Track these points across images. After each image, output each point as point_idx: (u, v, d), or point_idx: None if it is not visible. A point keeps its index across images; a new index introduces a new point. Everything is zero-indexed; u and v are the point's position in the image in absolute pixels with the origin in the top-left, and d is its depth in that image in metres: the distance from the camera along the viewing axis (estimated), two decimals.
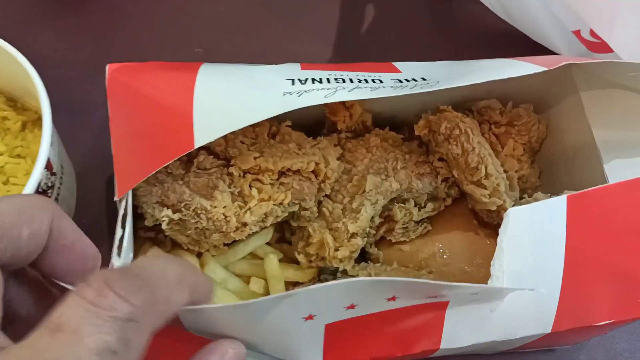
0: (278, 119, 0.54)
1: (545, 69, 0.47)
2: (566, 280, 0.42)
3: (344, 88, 0.46)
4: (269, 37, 0.74)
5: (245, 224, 0.47)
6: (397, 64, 0.54)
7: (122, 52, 0.72)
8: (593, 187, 0.42)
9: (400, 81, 0.49)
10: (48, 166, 0.51)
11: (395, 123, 0.60)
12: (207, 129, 0.43)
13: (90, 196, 0.64)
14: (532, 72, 0.47)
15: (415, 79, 0.49)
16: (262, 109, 0.44)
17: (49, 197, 0.53)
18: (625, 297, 0.43)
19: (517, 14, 0.70)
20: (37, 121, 0.61)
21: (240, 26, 0.74)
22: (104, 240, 0.61)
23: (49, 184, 0.53)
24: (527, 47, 0.72)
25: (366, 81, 0.48)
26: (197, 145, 0.42)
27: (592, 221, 0.42)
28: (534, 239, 0.41)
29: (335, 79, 0.48)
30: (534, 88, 0.57)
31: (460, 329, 0.42)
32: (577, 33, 0.65)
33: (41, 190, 0.51)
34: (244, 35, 0.74)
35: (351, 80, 0.48)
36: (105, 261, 0.59)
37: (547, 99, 0.58)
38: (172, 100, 0.46)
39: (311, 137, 0.53)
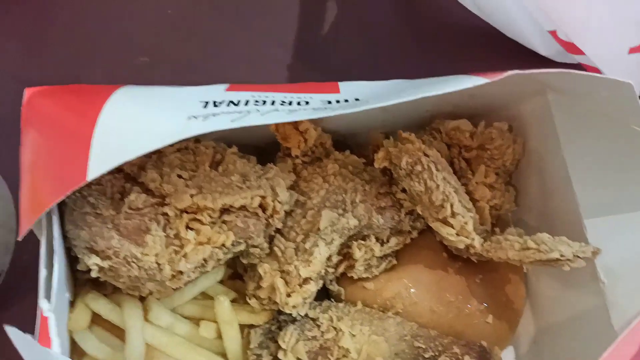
0: (223, 146, 0.49)
1: (487, 80, 0.41)
2: None
3: (259, 111, 0.41)
4: (221, 42, 0.68)
5: (181, 272, 0.42)
6: (342, 84, 0.49)
7: (54, 61, 0.65)
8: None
9: (330, 102, 0.44)
10: None
11: (359, 141, 0.55)
12: (102, 158, 0.38)
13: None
14: (472, 85, 0.41)
15: (348, 99, 0.44)
16: (161, 135, 0.38)
17: None
18: None
19: (489, 9, 0.65)
20: None
21: (190, 30, 0.68)
22: None
23: None
24: (499, 42, 0.67)
25: (290, 103, 0.43)
26: (89, 178, 0.37)
27: None
28: None
29: (256, 101, 0.43)
30: (508, 104, 0.52)
31: None
32: (553, 33, 0.60)
33: None
34: (194, 40, 0.68)
35: (272, 103, 0.43)
36: None
37: (523, 117, 0.52)
38: (74, 127, 0.41)
39: (259, 166, 0.48)
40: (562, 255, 0.42)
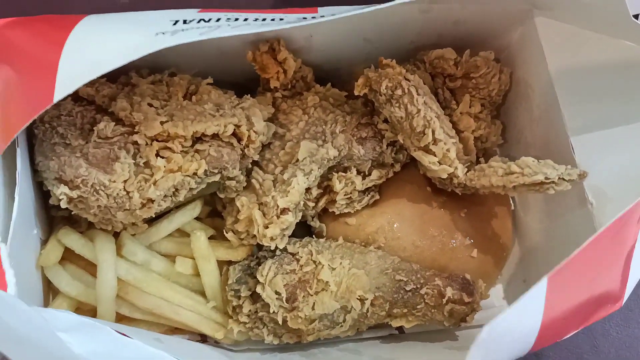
0: (197, 77, 0.48)
1: None
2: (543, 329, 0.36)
3: (229, 25, 0.40)
4: None
5: (151, 200, 0.41)
6: (321, 8, 0.47)
7: (34, 4, 0.63)
8: (566, 260, 0.34)
9: (305, 18, 0.42)
10: None
11: (341, 76, 0.53)
12: (68, 78, 0.37)
13: None
14: None
15: (324, 15, 0.42)
16: (127, 50, 0.37)
17: None
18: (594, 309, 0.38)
19: None
20: None
21: None
22: None
23: None
24: None
25: (264, 20, 0.41)
26: (56, 99, 0.36)
27: (568, 287, 0.35)
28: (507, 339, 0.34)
29: (228, 19, 0.42)
30: (494, 32, 0.50)
31: None
32: None
33: None
34: None
35: (245, 20, 0.41)
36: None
37: (511, 46, 0.50)
38: (40, 53, 0.40)
39: (235, 97, 0.47)
40: (546, 178, 0.40)
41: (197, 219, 0.50)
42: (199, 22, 0.40)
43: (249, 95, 0.48)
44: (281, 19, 0.41)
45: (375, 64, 0.49)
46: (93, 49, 0.38)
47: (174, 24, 0.40)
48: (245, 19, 0.40)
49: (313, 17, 0.41)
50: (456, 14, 0.46)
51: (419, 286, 0.45)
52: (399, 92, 0.43)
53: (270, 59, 0.48)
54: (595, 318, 0.38)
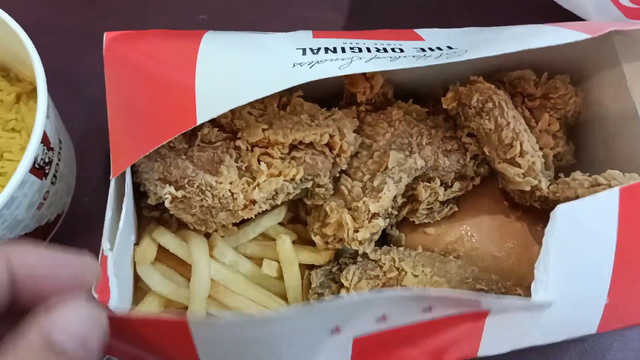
0: (289, 90, 0.50)
1: (589, 36, 0.42)
2: (615, 281, 0.38)
3: (361, 58, 0.42)
4: (275, 3, 0.69)
5: (253, 202, 0.43)
6: (420, 31, 0.50)
7: (116, 19, 0.67)
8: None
9: (424, 50, 0.44)
10: (44, 140, 0.47)
11: (418, 96, 0.55)
12: (210, 103, 0.39)
13: (89, 173, 0.61)
14: (573, 39, 0.42)
15: (441, 47, 0.45)
16: (270, 81, 0.40)
17: (47, 173, 0.49)
18: None
19: None
20: (32, 93, 0.57)
21: None
22: (103, 217, 0.57)
23: (47, 160, 0.49)
24: (554, 13, 0.67)
25: (385, 50, 0.44)
26: (199, 121, 0.38)
27: None
28: (583, 239, 0.37)
29: (351, 48, 0.44)
30: (570, 58, 0.52)
31: (501, 336, 0.38)
32: (614, 1, 0.60)
33: (38, 167, 0.47)
34: (250, 1, 0.69)
35: (368, 50, 0.44)
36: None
37: (584, 70, 0.53)
38: (173, 72, 0.42)
39: (325, 109, 0.49)
40: None
41: (280, 224, 0.52)
42: (326, 52, 0.42)
43: (337, 109, 0.50)
44: (401, 50, 0.43)
45: (453, 84, 0.52)
46: (232, 76, 0.40)
47: (303, 53, 0.42)
48: (368, 49, 0.42)
49: (431, 49, 0.43)
50: None
51: (500, 295, 0.46)
52: (489, 105, 0.45)
53: (361, 75, 0.51)
54: None
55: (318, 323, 0.33)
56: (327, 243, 0.48)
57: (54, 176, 0.51)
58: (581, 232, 0.36)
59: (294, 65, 0.40)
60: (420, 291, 0.35)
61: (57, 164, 0.52)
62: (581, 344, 0.56)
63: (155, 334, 0.33)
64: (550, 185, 0.47)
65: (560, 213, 0.35)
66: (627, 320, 0.40)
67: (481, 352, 0.39)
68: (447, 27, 0.52)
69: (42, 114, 0.46)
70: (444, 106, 0.48)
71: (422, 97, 0.55)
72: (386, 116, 0.50)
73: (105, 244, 0.39)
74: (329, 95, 0.55)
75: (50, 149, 0.49)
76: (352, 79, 0.51)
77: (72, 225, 0.58)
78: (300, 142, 0.45)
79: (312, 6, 0.70)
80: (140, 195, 0.49)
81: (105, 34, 0.47)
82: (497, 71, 0.53)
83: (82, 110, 0.63)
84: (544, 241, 0.36)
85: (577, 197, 0.44)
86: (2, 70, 0.58)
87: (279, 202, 0.45)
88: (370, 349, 0.36)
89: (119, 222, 0.40)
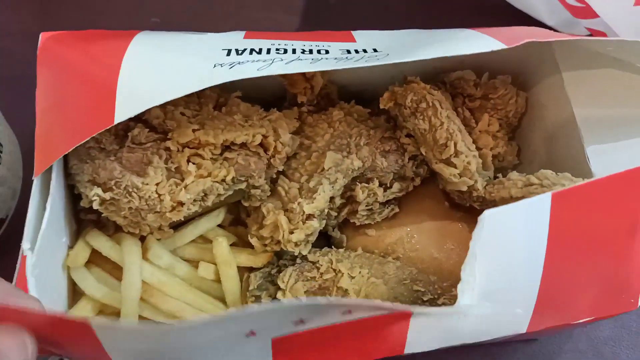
0: (227, 89, 0.50)
1: (505, 46, 0.42)
2: (545, 281, 0.37)
3: (282, 60, 0.42)
4: (229, 4, 0.69)
5: (181, 203, 0.42)
6: (356, 33, 0.49)
7: (68, 22, 0.66)
8: (578, 184, 0.37)
9: (349, 52, 0.44)
10: None
11: (364, 97, 0.55)
12: (129, 102, 0.39)
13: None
14: (489, 49, 0.42)
15: (367, 49, 0.45)
16: (189, 81, 0.39)
17: None
18: (608, 295, 0.39)
19: None
20: None
21: None
22: None
23: None
24: (507, 14, 0.67)
25: (310, 52, 0.44)
26: (117, 120, 0.38)
27: (576, 220, 0.37)
28: (511, 242, 0.36)
29: (277, 49, 0.44)
30: (512, 59, 0.52)
31: (427, 334, 0.38)
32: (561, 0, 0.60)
33: None
34: (203, 3, 0.69)
35: (294, 51, 0.43)
36: None
37: (525, 71, 0.53)
38: (98, 71, 0.42)
39: (262, 110, 0.49)
40: None
41: (220, 226, 0.51)
42: (251, 53, 0.42)
43: (275, 109, 0.50)
44: (327, 52, 0.42)
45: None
46: (152, 76, 0.40)
47: (227, 54, 0.42)
48: (294, 50, 0.42)
49: (356, 52, 0.43)
50: None
51: (436, 296, 0.46)
52: (423, 105, 0.45)
53: (300, 75, 0.50)
54: (608, 309, 0.39)
55: (231, 330, 0.33)
56: (264, 245, 0.47)
57: None
58: (510, 235, 0.36)
59: (215, 66, 0.40)
60: (331, 300, 0.35)
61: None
62: (530, 347, 0.55)
63: (65, 335, 0.32)
64: (487, 185, 0.47)
65: (487, 218, 0.35)
66: (557, 319, 0.39)
67: (407, 350, 0.38)
68: (401, 29, 0.52)
69: None
70: (381, 106, 0.48)
71: (367, 99, 0.55)
72: (327, 117, 0.50)
73: (25, 244, 0.39)
74: (274, 97, 0.54)
75: None
76: (291, 80, 0.50)
77: (16, 230, 0.57)
78: (233, 143, 0.45)
79: (267, 9, 0.69)
80: (77, 198, 0.48)
81: (41, 34, 0.47)
82: (439, 72, 0.53)
83: (31, 114, 0.62)
84: (470, 244, 0.35)
85: (511, 197, 0.44)
86: None
87: (209, 204, 0.44)
88: (292, 348, 0.36)
89: (42, 222, 0.40)
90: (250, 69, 0.39)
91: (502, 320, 0.39)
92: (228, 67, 0.39)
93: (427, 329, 0.37)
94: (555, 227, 0.36)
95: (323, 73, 0.51)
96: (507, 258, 0.36)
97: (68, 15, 0.68)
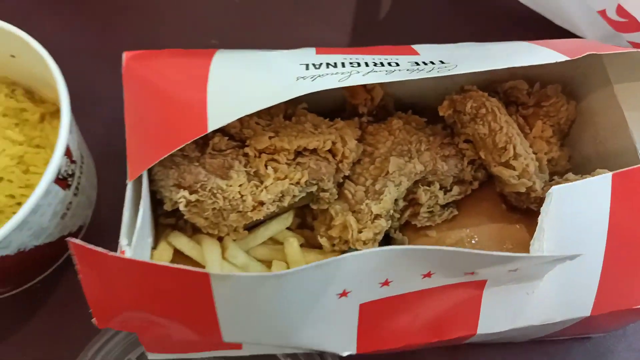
0: (294, 102, 0.53)
1: (568, 58, 0.45)
2: (607, 261, 0.40)
3: (359, 72, 0.45)
4: (283, 27, 0.73)
5: (261, 203, 0.46)
6: (416, 47, 0.53)
7: (129, 43, 0.71)
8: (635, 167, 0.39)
9: (418, 64, 0.47)
10: (67, 153, 0.51)
11: (417, 109, 0.58)
12: (220, 112, 0.42)
13: (107, 188, 0.64)
14: (553, 60, 0.45)
15: (434, 61, 0.48)
16: (275, 93, 0.43)
17: (69, 185, 0.53)
18: None
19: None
20: (55, 113, 0.61)
21: (255, 17, 0.74)
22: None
23: (69, 172, 0.52)
24: (548, 30, 0.70)
25: (382, 64, 0.47)
26: (210, 128, 0.41)
27: (637, 200, 0.39)
28: (576, 218, 0.39)
29: (350, 63, 0.47)
30: (560, 69, 0.55)
31: (498, 312, 0.40)
32: (602, 13, 0.63)
33: (61, 178, 0.50)
34: (259, 26, 0.73)
35: (366, 64, 0.47)
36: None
37: (574, 79, 0.56)
38: (187, 86, 0.46)
39: (327, 120, 0.52)
40: None
41: (288, 229, 0.55)
42: (327, 67, 0.45)
43: (339, 119, 0.53)
44: (397, 64, 0.46)
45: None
46: (242, 88, 0.44)
47: (306, 68, 0.45)
48: (366, 64, 0.46)
49: (424, 63, 0.46)
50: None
51: None
52: (482, 111, 0.48)
53: (361, 87, 0.54)
54: None
55: (326, 285, 0.36)
56: (333, 245, 0.50)
57: (77, 188, 0.55)
58: (574, 212, 0.38)
59: (298, 79, 0.43)
60: (416, 247, 0.37)
61: (80, 177, 0.55)
62: (584, 344, 0.57)
63: (177, 289, 0.35)
64: (544, 187, 0.49)
65: (555, 193, 0.37)
66: (620, 303, 0.41)
67: (480, 330, 0.41)
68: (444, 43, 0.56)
69: (65, 128, 0.50)
70: (440, 114, 0.51)
71: (420, 109, 0.58)
72: (387, 126, 0.53)
73: (123, 241, 0.42)
74: (331, 110, 0.58)
75: (72, 162, 0.53)
76: (353, 91, 0.54)
77: (93, 237, 0.61)
78: (305, 149, 0.48)
79: (317, 28, 0.74)
80: (156, 203, 0.52)
81: (124, 53, 0.51)
82: (491, 83, 0.56)
83: (98, 128, 0.66)
84: (539, 220, 0.38)
85: None
86: (27, 93, 0.62)
87: (285, 204, 0.48)
88: (374, 316, 0.38)
89: (136, 222, 0.43)
90: (331, 80, 0.42)
91: (568, 302, 0.41)
92: (310, 80, 0.43)
93: (498, 305, 0.40)
94: (616, 205, 0.38)
95: (382, 85, 0.55)
96: (571, 235, 0.39)
97: (127, 35, 0.73)
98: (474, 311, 0.40)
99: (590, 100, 0.54)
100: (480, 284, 0.39)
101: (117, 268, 0.35)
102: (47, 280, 0.59)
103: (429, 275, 0.37)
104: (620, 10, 0.58)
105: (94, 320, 0.38)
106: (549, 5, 0.69)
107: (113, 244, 0.59)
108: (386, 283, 0.37)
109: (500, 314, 0.41)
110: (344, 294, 0.37)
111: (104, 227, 0.62)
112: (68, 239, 0.35)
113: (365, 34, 0.74)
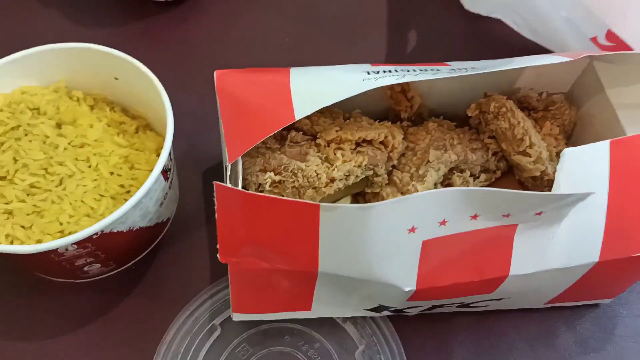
0: (349, 108, 0.66)
1: (571, 59, 0.58)
2: (610, 211, 0.51)
3: (411, 74, 0.58)
4: (327, 59, 0.87)
5: (333, 180, 0.58)
6: (451, 63, 0.66)
7: (200, 68, 0.85)
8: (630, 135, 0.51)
9: (454, 70, 0.60)
10: None
11: (446, 117, 0.71)
12: (304, 105, 0.54)
13: (188, 188, 0.76)
14: (560, 61, 0.58)
15: (466, 68, 0.61)
16: (348, 88, 0.55)
17: (168, 177, 0.65)
18: None
19: (540, 29, 0.83)
20: (147, 126, 0.74)
21: (303, 52, 0.89)
22: (202, 224, 0.72)
23: (169, 167, 0.64)
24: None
25: (427, 70, 0.60)
26: (297, 117, 0.53)
27: (631, 161, 0.51)
28: (583, 175, 0.50)
29: (402, 70, 0.60)
30: (562, 82, 0.68)
31: (527, 254, 0.51)
32: (594, 40, 0.76)
33: (164, 169, 0.63)
34: (307, 58, 0.88)
35: (414, 70, 0.60)
36: (203, 246, 0.69)
37: (574, 89, 0.69)
38: (272, 89, 0.58)
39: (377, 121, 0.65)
40: None
41: None
42: (384, 72, 0.58)
43: (386, 121, 0.66)
44: (438, 70, 0.59)
45: None
46: (319, 87, 0.56)
47: (368, 73, 0.58)
48: (414, 70, 0.59)
49: (459, 69, 0.59)
50: (540, 69, 0.64)
51: None
52: (503, 109, 0.61)
53: (402, 96, 0.67)
54: None
55: (401, 220, 0.47)
56: None
57: (171, 182, 0.67)
58: (582, 169, 0.50)
59: (364, 80, 0.56)
60: (472, 189, 0.47)
61: (173, 173, 0.67)
62: (594, 311, 0.67)
63: (290, 220, 0.46)
64: (554, 172, 0.61)
65: (567, 153, 0.49)
66: (623, 251, 0.52)
67: (512, 271, 0.51)
68: None
69: (170, 124, 0.62)
70: (469, 114, 0.64)
71: (449, 117, 0.71)
72: (424, 127, 0.66)
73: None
74: (377, 116, 0.71)
75: (170, 159, 0.65)
76: (397, 99, 0.67)
77: (177, 228, 0.73)
78: (364, 140, 0.60)
79: (357, 59, 0.88)
80: None
81: (215, 72, 0.64)
82: (506, 94, 0.69)
83: (179, 142, 0.79)
84: (555, 177, 0.49)
85: None
86: (123, 110, 0.75)
87: (350, 183, 0.60)
88: (432, 253, 0.49)
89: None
90: (391, 79, 0.55)
91: (580, 247, 0.52)
92: (374, 80, 0.55)
93: (526, 248, 0.50)
94: (614, 164, 0.49)
95: (420, 96, 0.68)
96: (580, 187, 0.50)
97: (202, 68, 0.87)
98: (507, 253, 0.51)
99: (588, 105, 0.67)
100: (512, 228, 0.50)
101: (243, 204, 0.47)
102: (140, 263, 0.70)
103: (475, 217, 0.48)
104: (610, 34, 0.71)
105: (218, 256, 0.49)
106: (545, 34, 0.83)
107: (195, 234, 0.71)
108: (443, 222, 0.48)
109: (528, 256, 0.51)
110: (412, 229, 0.48)
111: (186, 221, 0.73)
112: (214, 182, 0.46)
113: (395, 62, 0.88)
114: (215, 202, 0.48)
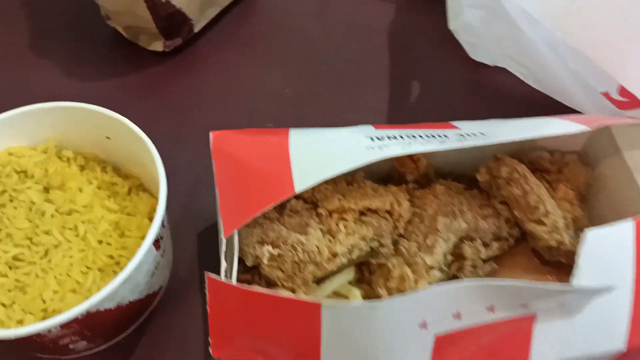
0: (353, 171, 0.63)
1: (588, 128, 0.55)
2: (638, 295, 0.47)
3: (417, 142, 0.55)
4: (329, 111, 0.85)
5: (335, 255, 0.54)
6: (454, 123, 0.63)
7: (200, 129, 0.82)
8: None
9: (463, 135, 0.57)
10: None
11: (453, 177, 0.68)
12: (304, 176, 0.51)
13: (182, 251, 0.72)
14: (575, 131, 0.55)
15: (475, 133, 0.57)
16: (351, 159, 0.52)
17: (160, 246, 0.61)
18: None
19: (546, 81, 0.80)
20: (140, 186, 0.70)
21: (304, 103, 0.86)
22: (196, 291, 0.68)
23: (161, 235, 0.61)
24: (558, 111, 0.81)
25: (434, 137, 0.57)
26: (297, 190, 0.50)
27: None
28: (606, 257, 0.47)
29: (407, 136, 0.57)
30: (574, 140, 0.65)
31: (547, 346, 0.47)
32: (606, 95, 0.73)
33: (157, 239, 0.59)
34: (307, 110, 0.85)
35: (421, 137, 0.57)
36: (198, 316, 0.65)
37: (588, 149, 0.65)
38: (270, 155, 0.55)
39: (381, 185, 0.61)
40: None
41: (349, 283, 0.62)
42: (389, 139, 0.54)
43: (391, 185, 0.63)
44: (446, 136, 0.55)
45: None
46: (320, 157, 0.52)
47: (371, 140, 0.55)
48: (421, 136, 0.55)
49: (469, 135, 0.55)
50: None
51: None
52: (515, 175, 0.57)
53: (408, 158, 0.64)
54: None
55: (412, 314, 0.43)
56: (391, 295, 0.58)
57: (163, 250, 0.63)
58: (604, 250, 0.46)
59: (367, 148, 0.53)
60: (487, 280, 0.44)
61: (165, 240, 0.63)
62: None
63: (290, 317, 0.42)
64: (571, 241, 0.57)
65: (589, 234, 0.45)
66: None
67: None
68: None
69: (163, 194, 0.59)
70: (479, 179, 0.61)
71: (456, 176, 0.67)
72: (431, 190, 0.63)
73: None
74: (381, 178, 0.67)
75: (163, 226, 0.61)
76: (401, 161, 0.63)
77: (171, 295, 0.69)
78: (369, 209, 0.57)
79: (359, 112, 0.85)
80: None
81: (211, 132, 0.61)
82: (516, 153, 0.65)
83: (174, 201, 0.75)
84: (575, 258, 0.45)
85: None
86: (114, 169, 0.71)
87: (354, 257, 0.56)
88: (445, 347, 0.45)
89: (232, 271, 0.51)
90: (396, 149, 0.52)
91: (604, 333, 0.48)
92: (378, 149, 0.52)
93: (546, 339, 0.46)
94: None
95: (425, 156, 0.64)
96: (602, 272, 0.46)
97: (200, 121, 0.84)
98: (526, 347, 0.47)
99: (603, 166, 0.64)
100: (531, 319, 0.46)
101: (238, 298, 0.43)
102: (129, 337, 0.66)
103: (492, 309, 0.44)
104: (623, 90, 0.68)
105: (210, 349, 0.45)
106: (554, 88, 0.80)
107: (189, 301, 0.67)
108: (457, 316, 0.44)
109: (549, 348, 0.47)
110: (424, 325, 0.44)
111: (181, 286, 0.69)
112: (206, 272, 0.43)
113: (399, 114, 0.85)
114: (207, 295, 0.44)
